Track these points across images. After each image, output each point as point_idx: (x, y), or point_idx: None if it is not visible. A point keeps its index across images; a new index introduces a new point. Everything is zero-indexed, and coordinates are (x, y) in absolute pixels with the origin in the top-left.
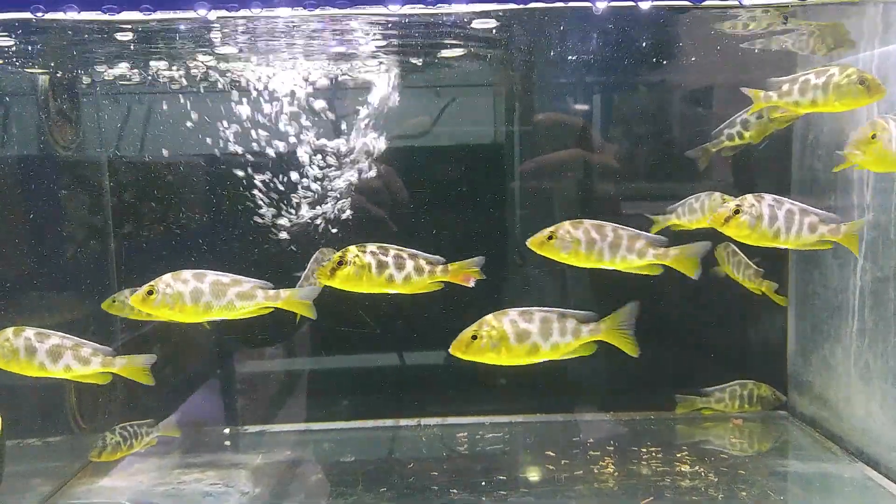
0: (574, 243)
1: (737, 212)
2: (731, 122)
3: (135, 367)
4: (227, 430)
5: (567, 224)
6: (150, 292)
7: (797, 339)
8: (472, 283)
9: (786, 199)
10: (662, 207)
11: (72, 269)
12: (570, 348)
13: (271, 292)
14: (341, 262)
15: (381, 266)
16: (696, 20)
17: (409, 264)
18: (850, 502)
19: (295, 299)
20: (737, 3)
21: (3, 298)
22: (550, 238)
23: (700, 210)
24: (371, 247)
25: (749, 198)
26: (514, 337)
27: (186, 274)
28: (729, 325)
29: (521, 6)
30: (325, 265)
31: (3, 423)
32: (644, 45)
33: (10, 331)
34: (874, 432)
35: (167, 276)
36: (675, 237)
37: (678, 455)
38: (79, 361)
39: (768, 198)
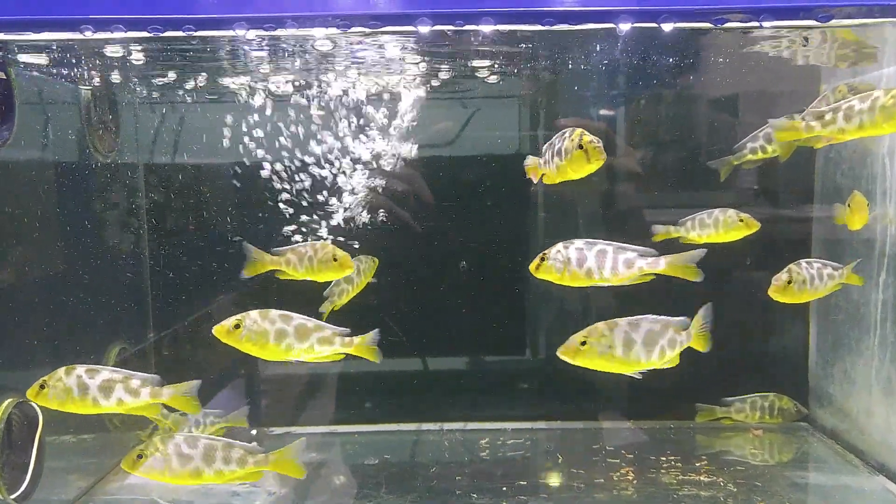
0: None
1: (542, 259)
2: (754, 135)
3: (181, 396)
4: (253, 432)
5: (559, 245)
6: (236, 325)
7: (818, 352)
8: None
9: (599, 240)
10: (684, 214)
11: (110, 263)
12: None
13: (346, 339)
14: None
15: None
16: (722, 35)
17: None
18: None
19: (363, 345)
20: (757, 24)
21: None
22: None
23: (713, 226)
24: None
25: (558, 245)
26: (621, 347)
27: (274, 314)
28: (751, 337)
29: (548, 27)
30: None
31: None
32: (668, 56)
33: (62, 371)
34: (895, 445)
35: (254, 313)
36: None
37: (697, 464)
38: (129, 394)
39: (578, 242)
